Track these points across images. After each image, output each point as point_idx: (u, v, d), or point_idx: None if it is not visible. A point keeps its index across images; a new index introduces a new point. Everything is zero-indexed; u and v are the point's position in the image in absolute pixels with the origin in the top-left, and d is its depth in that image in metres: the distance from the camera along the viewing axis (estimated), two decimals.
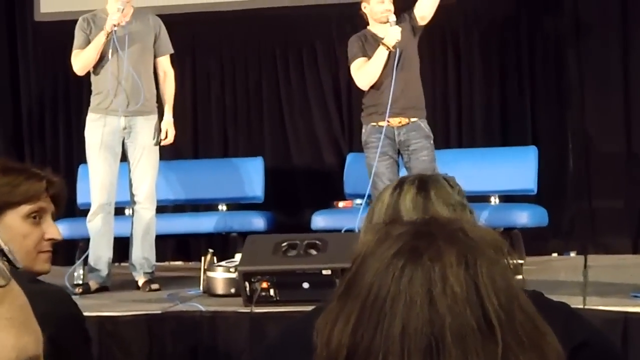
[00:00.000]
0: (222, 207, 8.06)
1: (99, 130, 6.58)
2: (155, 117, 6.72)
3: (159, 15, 6.93)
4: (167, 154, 7.62)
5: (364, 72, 6.47)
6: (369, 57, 6.43)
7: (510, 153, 7.71)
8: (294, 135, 8.48)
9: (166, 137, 6.72)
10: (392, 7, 6.44)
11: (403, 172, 6.40)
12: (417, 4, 6.48)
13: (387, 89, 6.34)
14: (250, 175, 8.03)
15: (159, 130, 6.70)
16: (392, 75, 6.35)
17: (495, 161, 7.63)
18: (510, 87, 8.14)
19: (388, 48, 6.34)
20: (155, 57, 6.77)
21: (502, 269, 1.13)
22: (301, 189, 8.35)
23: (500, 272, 1.12)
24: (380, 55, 6.38)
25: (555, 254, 7.80)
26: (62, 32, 8.11)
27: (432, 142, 6.44)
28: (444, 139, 7.93)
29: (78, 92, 8.38)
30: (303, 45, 8.45)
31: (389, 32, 6.36)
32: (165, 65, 6.80)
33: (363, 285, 1.12)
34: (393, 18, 6.38)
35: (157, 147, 6.71)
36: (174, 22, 7.04)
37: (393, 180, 6.34)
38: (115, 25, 6.47)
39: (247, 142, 8.55)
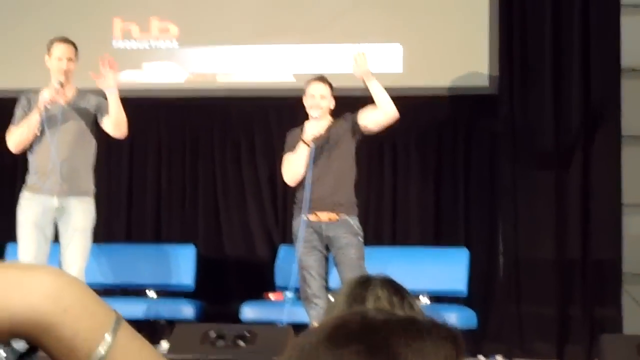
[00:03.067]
0: (152, 294, 7.98)
1: (31, 210, 6.50)
2: (89, 199, 6.65)
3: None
4: (99, 237, 7.55)
5: (286, 167, 6.55)
6: None
7: (442, 254, 7.77)
8: (228, 224, 8.46)
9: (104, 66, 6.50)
10: (322, 104, 6.51)
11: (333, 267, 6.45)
12: (362, 113, 6.56)
13: (309, 185, 6.40)
14: (181, 263, 7.99)
15: (93, 213, 6.64)
16: (315, 171, 6.41)
17: (427, 261, 7.68)
18: (445, 188, 8.23)
19: (305, 143, 6.41)
20: (101, 123, 6.67)
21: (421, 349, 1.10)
22: (232, 278, 8.31)
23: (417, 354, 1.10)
24: (299, 151, 6.45)
25: (481, 357, 7.82)
26: None
27: (360, 239, 6.46)
28: (376, 236, 7.96)
29: (12, 168, 8.30)
30: (241, 134, 8.48)
31: (307, 127, 6.46)
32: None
33: None
34: (315, 113, 6.46)
35: (90, 230, 6.62)
36: None
37: (322, 274, 6.41)
38: (47, 103, 6.43)
39: (180, 228, 8.51)
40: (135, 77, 8.58)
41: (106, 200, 8.43)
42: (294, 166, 6.49)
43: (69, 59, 6.60)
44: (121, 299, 7.99)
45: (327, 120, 6.62)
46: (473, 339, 7.69)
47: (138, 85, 8.50)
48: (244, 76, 8.44)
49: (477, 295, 7.73)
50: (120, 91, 8.20)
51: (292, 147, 6.57)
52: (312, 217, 6.42)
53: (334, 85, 6.72)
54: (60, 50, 6.59)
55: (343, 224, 6.43)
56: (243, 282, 8.15)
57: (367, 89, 7.30)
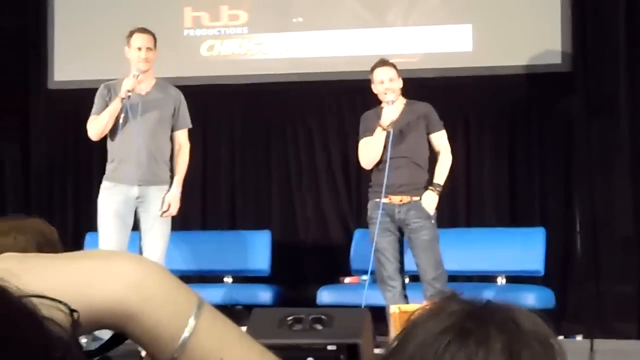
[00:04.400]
0: (228, 280, 8.03)
1: (111, 199, 6.59)
2: (168, 187, 6.74)
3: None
4: (176, 225, 7.61)
5: (363, 151, 6.57)
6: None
7: (518, 234, 7.70)
8: (302, 210, 8.48)
9: (168, 209, 6.70)
10: (393, 86, 6.49)
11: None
12: (433, 137, 6.58)
13: (385, 166, 6.41)
14: (257, 248, 8.02)
15: (163, 201, 6.71)
16: (391, 153, 6.41)
17: (503, 241, 7.62)
18: (519, 167, 8.15)
19: (383, 128, 6.40)
20: (172, 130, 6.78)
21: None
22: (308, 263, 8.33)
23: None
24: (377, 136, 6.45)
25: (561, 337, 7.74)
26: (74, 100, 8.20)
27: (433, 221, 6.44)
28: (452, 218, 7.92)
29: (88, 160, 8.42)
30: (314, 119, 8.48)
31: (384, 112, 6.44)
32: (181, 138, 6.81)
33: (406, 354, 1.11)
34: (390, 97, 6.45)
35: (169, 217, 6.70)
36: (186, 92, 7.08)
37: (396, 256, 6.41)
38: (129, 91, 6.50)
39: (255, 214, 8.55)
40: (207, 65, 8.63)
41: (182, 189, 8.50)
42: (372, 151, 6.51)
43: (148, 49, 6.69)
44: (198, 286, 8.05)
45: (401, 102, 6.60)
46: (552, 320, 7.58)
47: (210, 72, 8.55)
48: (315, 61, 8.44)
49: (554, 275, 7.65)
50: (193, 78, 8.29)
51: (367, 131, 6.58)
52: (385, 200, 6.43)
53: (405, 68, 6.70)
54: (139, 40, 6.68)
55: (415, 207, 6.43)
56: (318, 267, 8.17)
57: (438, 71, 7.28)
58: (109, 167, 6.70)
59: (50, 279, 0.84)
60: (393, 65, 6.59)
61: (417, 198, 6.46)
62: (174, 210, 6.74)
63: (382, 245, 6.43)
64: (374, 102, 6.72)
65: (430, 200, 6.43)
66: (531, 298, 7.08)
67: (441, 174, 6.53)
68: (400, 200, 6.46)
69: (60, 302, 0.77)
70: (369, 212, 6.59)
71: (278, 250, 8.10)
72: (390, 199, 6.46)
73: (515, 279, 7.57)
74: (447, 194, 7.93)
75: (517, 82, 8.13)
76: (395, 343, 1.15)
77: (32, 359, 0.62)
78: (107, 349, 0.91)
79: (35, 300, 0.68)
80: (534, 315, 1.17)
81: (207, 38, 8.66)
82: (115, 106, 6.54)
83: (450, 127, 7.88)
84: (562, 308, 7.56)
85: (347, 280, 7.79)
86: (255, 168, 8.60)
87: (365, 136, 6.62)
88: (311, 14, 8.49)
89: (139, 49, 6.66)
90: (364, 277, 7.41)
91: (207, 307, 0.90)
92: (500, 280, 7.45)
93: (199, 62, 8.63)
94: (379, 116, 6.53)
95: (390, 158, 6.43)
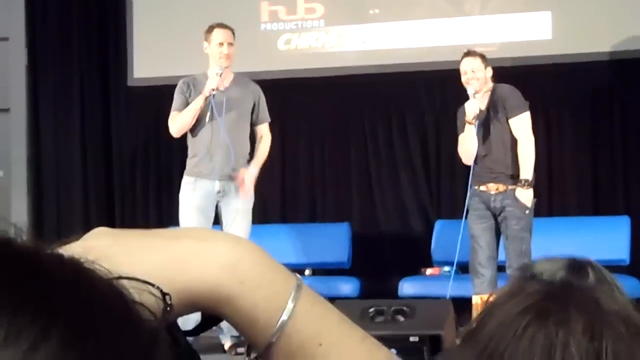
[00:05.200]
0: (309, 272, 8.05)
1: (193, 193, 6.63)
2: None
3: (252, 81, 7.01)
4: (256, 218, 7.65)
5: (459, 148, 6.62)
6: None
7: (602, 222, 7.60)
8: (382, 201, 8.46)
9: (243, 185, 6.66)
10: (476, 76, 6.45)
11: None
12: (514, 125, 6.49)
13: (479, 157, 6.40)
14: (337, 241, 8.03)
15: (253, 195, 6.73)
16: (485, 146, 6.41)
17: (587, 230, 7.52)
18: (602, 156, 8.03)
19: (468, 122, 6.40)
20: (253, 125, 6.80)
21: (630, 347, 1.08)
22: (388, 255, 8.30)
23: (627, 350, 1.07)
24: (466, 131, 6.45)
25: None
26: (154, 97, 8.29)
27: (527, 212, 6.39)
28: (534, 208, 7.83)
29: (168, 156, 8.50)
30: (392, 110, 8.45)
31: (466, 106, 6.43)
32: (263, 131, 6.83)
33: (485, 334, 1.09)
34: (470, 90, 6.43)
35: (250, 211, 6.72)
36: (264, 86, 7.10)
37: (489, 243, 6.37)
38: (213, 90, 6.51)
39: (334, 207, 8.55)
40: (284, 59, 8.65)
41: (260, 182, 8.54)
42: (465, 146, 6.54)
43: (230, 44, 6.68)
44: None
45: (488, 90, 6.55)
46: (637, 308, 7.49)
47: (287, 66, 8.56)
48: (392, 52, 8.41)
49: None
50: (271, 72, 8.32)
51: (462, 127, 6.58)
52: (482, 188, 6.44)
53: (487, 56, 6.64)
54: (220, 35, 6.68)
55: (510, 196, 6.40)
56: (399, 258, 8.14)
57: (519, 59, 7.21)
58: (190, 162, 6.73)
59: (144, 260, 0.83)
60: (480, 55, 6.55)
61: (514, 187, 6.43)
62: (249, 186, 6.67)
63: (475, 232, 6.44)
64: (454, 92, 6.68)
65: (523, 197, 6.38)
66: None
67: (525, 167, 6.45)
68: (497, 189, 6.44)
69: (152, 284, 0.76)
70: (468, 199, 6.60)
71: (358, 243, 8.10)
72: (487, 187, 6.46)
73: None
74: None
75: (598, 69, 8.00)
76: (475, 324, 1.13)
77: (118, 343, 0.61)
78: (202, 330, 0.89)
79: (126, 282, 0.67)
80: (619, 297, 1.14)
81: (284, 32, 8.68)
82: (198, 104, 6.56)
83: (531, 115, 7.83)
84: None
85: (428, 271, 7.75)
86: (334, 161, 8.60)
87: (460, 133, 6.64)
88: (388, 5, 8.46)
89: (221, 44, 6.65)
90: (446, 268, 7.38)
91: (306, 290, 0.88)
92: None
93: (276, 56, 8.65)
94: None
95: (480, 146, 6.43)
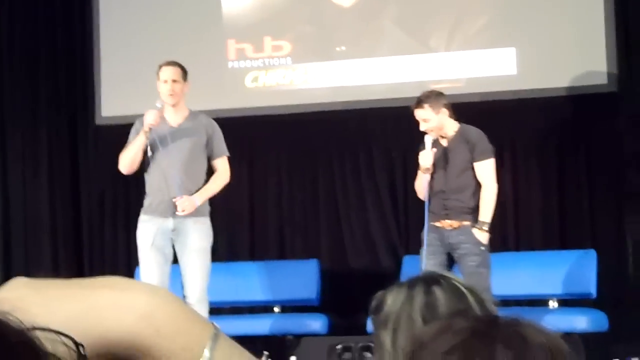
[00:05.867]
0: (278, 309, 8.03)
1: (148, 232, 6.59)
2: (205, 219, 6.65)
3: (216, 119, 6.99)
4: (224, 255, 7.65)
5: (416, 187, 6.73)
6: None
7: (569, 256, 7.63)
8: (350, 238, 8.46)
9: (181, 203, 6.53)
10: (429, 126, 6.49)
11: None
12: (478, 169, 6.52)
13: (434, 192, 6.46)
14: (305, 278, 8.01)
15: (210, 233, 6.65)
16: (437, 181, 6.44)
17: (554, 264, 7.55)
18: (568, 190, 8.09)
19: (422, 172, 6.48)
20: (209, 159, 6.76)
21: None
22: (357, 291, 8.28)
23: None
24: (420, 176, 6.60)
25: None
26: (122, 135, 8.25)
27: (483, 248, 6.41)
28: (501, 241, 7.86)
29: (138, 195, 8.44)
30: (359, 147, 8.48)
31: (420, 157, 6.50)
32: (219, 166, 6.75)
33: None
34: (428, 140, 6.49)
35: (207, 250, 6.62)
36: (230, 124, 7.10)
37: None
38: (151, 125, 6.49)
39: (303, 244, 8.54)
40: (252, 96, 8.67)
41: (228, 219, 8.53)
42: (420, 188, 6.60)
43: (174, 81, 6.65)
44: (248, 316, 8.06)
45: (453, 130, 6.58)
46: (605, 342, 7.52)
47: (255, 103, 8.58)
48: (359, 89, 8.45)
49: (607, 297, 7.55)
50: (239, 110, 8.34)
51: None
52: (437, 224, 6.45)
53: (450, 93, 6.70)
54: (165, 72, 6.67)
55: (464, 232, 6.41)
56: (368, 294, 8.10)
57: (485, 94, 7.27)
58: (145, 200, 6.71)
59: (60, 310, 0.82)
60: (425, 104, 6.51)
61: (467, 223, 6.44)
62: (184, 205, 6.51)
63: (427, 268, 6.42)
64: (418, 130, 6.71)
65: (480, 237, 6.41)
66: (584, 321, 7.00)
67: (485, 210, 6.47)
68: (450, 225, 6.46)
69: (66, 335, 0.75)
70: (421, 235, 6.61)
71: (327, 279, 8.09)
72: (441, 223, 6.47)
73: (567, 302, 7.49)
74: (495, 218, 7.89)
75: (563, 104, 8.08)
76: None
77: None
78: None
79: (39, 333, 0.67)
80: (544, 329, 1.14)
81: (251, 69, 8.70)
82: (140, 140, 6.55)
83: (496, 150, 7.87)
84: (616, 331, 7.46)
85: None
86: (302, 197, 8.60)
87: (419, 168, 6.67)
88: (354, 43, 8.52)
89: (165, 81, 6.66)
90: None
91: (223, 338, 0.88)
92: (552, 304, 7.38)
93: (243, 94, 8.67)
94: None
95: (435, 184, 6.47)
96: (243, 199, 8.58)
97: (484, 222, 6.42)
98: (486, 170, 6.54)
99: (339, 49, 8.55)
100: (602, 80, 7.97)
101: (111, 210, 8.91)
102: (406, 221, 8.22)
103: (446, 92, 6.85)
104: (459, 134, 6.61)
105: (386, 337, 2.11)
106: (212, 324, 0.88)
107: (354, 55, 8.51)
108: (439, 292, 2.13)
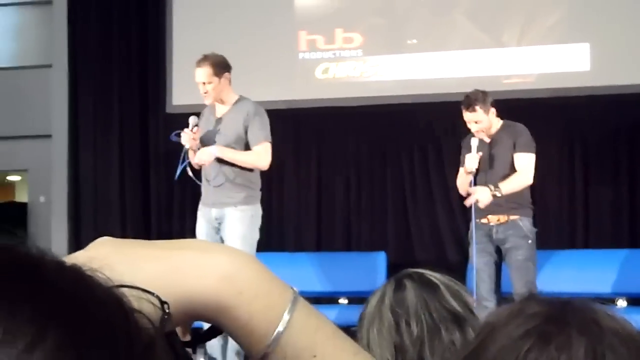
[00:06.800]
0: (344, 301, 8.05)
1: (200, 223, 6.70)
2: (247, 207, 6.63)
3: (286, 109, 6.98)
4: (291, 246, 7.69)
5: (458, 184, 6.66)
6: None
7: (638, 255, 7.54)
8: (418, 231, 8.46)
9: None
10: (480, 127, 6.44)
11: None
12: (516, 157, 6.46)
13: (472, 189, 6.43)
14: (372, 270, 8.02)
15: (253, 222, 6.67)
16: (482, 178, 6.41)
17: (623, 263, 7.47)
18: (639, 188, 8.00)
19: (467, 173, 6.43)
20: (248, 147, 6.73)
21: None
22: None
23: None
24: (464, 178, 6.49)
25: None
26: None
27: (530, 241, 6.37)
28: (570, 240, 7.81)
29: None
30: (428, 140, 8.46)
31: (466, 160, 6.44)
32: (255, 149, 6.64)
33: (486, 358, 1.09)
34: (474, 143, 6.43)
35: (248, 237, 6.57)
36: (300, 115, 7.13)
37: (491, 276, 6.37)
38: (188, 146, 6.58)
39: (370, 236, 8.56)
40: (322, 87, 8.69)
41: (296, 210, 8.57)
42: (461, 185, 6.59)
43: (203, 83, 6.58)
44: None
45: (496, 127, 6.54)
46: None
47: (325, 95, 8.61)
48: (430, 82, 8.43)
49: None
50: (309, 101, 8.36)
51: (463, 161, 6.60)
52: (483, 220, 6.42)
53: (521, 88, 6.64)
54: (197, 75, 6.62)
55: (512, 226, 6.38)
56: None
57: (556, 90, 7.21)
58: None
59: (144, 269, 0.84)
60: (476, 106, 6.47)
61: (515, 217, 6.41)
62: (199, 157, 6.58)
63: (478, 266, 6.42)
64: None
65: (480, 194, 6.33)
66: None
67: (508, 182, 6.40)
68: (498, 220, 6.43)
69: (151, 293, 0.77)
70: (469, 232, 6.59)
71: (394, 271, 8.05)
72: (488, 219, 6.44)
73: (636, 301, 7.41)
74: (566, 215, 7.83)
75: (636, 101, 7.98)
76: (474, 345, 1.12)
77: (114, 348, 0.63)
78: (203, 340, 0.91)
79: (125, 290, 0.69)
80: (618, 315, 1.13)
81: (322, 61, 8.72)
82: (189, 154, 6.66)
83: (568, 146, 7.82)
84: None
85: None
86: (370, 189, 8.61)
87: (461, 166, 6.64)
88: (425, 36, 8.50)
89: (198, 84, 6.68)
90: None
91: (302, 302, 0.89)
92: (620, 303, 7.30)
93: (314, 85, 8.70)
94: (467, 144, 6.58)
95: (480, 180, 6.43)
96: (311, 190, 8.61)
97: (497, 187, 6.35)
98: (525, 162, 6.48)
99: (410, 42, 8.54)
100: None
101: (180, 197, 8.99)
102: None
103: (517, 88, 6.81)
104: (503, 129, 6.57)
105: (362, 338, 2.13)
106: (292, 288, 0.90)
107: (424, 49, 8.49)
108: (409, 286, 2.13)
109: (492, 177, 6.45)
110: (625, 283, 7.34)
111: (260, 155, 6.61)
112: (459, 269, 7.98)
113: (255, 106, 6.67)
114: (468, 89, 7.95)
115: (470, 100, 6.45)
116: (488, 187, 6.31)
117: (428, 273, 2.19)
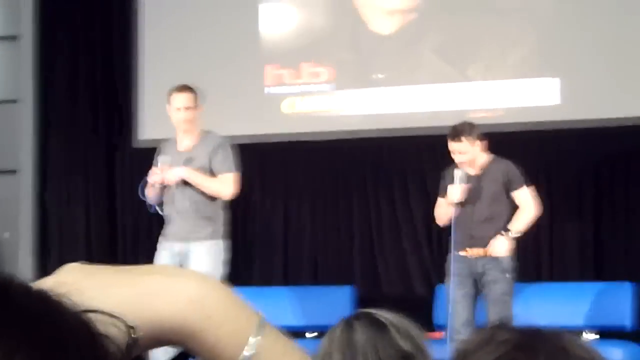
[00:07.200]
0: (311, 335, 8.02)
1: (161, 255, 6.65)
2: (213, 242, 6.61)
3: (254, 144, 6.98)
4: (257, 280, 7.66)
5: (436, 211, 6.68)
6: None
7: (606, 288, 7.58)
8: (384, 265, 8.46)
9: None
10: (462, 159, 6.47)
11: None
12: (516, 196, 6.50)
13: (461, 222, 6.43)
14: (339, 303, 7.99)
15: (217, 256, 6.64)
16: (465, 211, 6.43)
17: (590, 296, 7.50)
18: (605, 222, 8.04)
19: (450, 204, 6.45)
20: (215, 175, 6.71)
21: None
22: None
23: None
24: (445, 208, 6.55)
25: None
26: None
27: (508, 275, 6.41)
28: (535, 272, 7.83)
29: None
30: (395, 174, 8.48)
31: (449, 191, 6.47)
32: (222, 179, 6.68)
33: None
34: (458, 174, 6.45)
35: (218, 272, 6.55)
36: (267, 150, 7.11)
37: (467, 308, 6.39)
38: (157, 182, 6.58)
39: (337, 270, 8.55)
40: (288, 122, 8.70)
41: (263, 244, 8.56)
42: (441, 215, 6.59)
43: (187, 108, 6.62)
44: (281, 333, 8.03)
45: (480, 163, 6.58)
46: None
47: (291, 129, 8.61)
48: (396, 116, 8.45)
49: None
50: (274, 135, 8.36)
51: (444, 190, 6.62)
52: (462, 253, 6.45)
53: (490, 122, 6.69)
54: (178, 100, 6.62)
55: (492, 260, 6.41)
56: None
57: (525, 124, 7.27)
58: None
59: (113, 294, 0.85)
60: (462, 138, 6.51)
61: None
62: (165, 175, 6.58)
63: (456, 298, 6.43)
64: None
65: (499, 245, 6.37)
66: (618, 353, 6.94)
67: (516, 221, 6.46)
68: (478, 253, 6.45)
69: (118, 318, 0.77)
70: (446, 264, 6.60)
71: (360, 305, 8.06)
72: (467, 252, 6.46)
73: (603, 334, 7.43)
74: (531, 248, 7.86)
75: (604, 136, 8.02)
76: None
77: None
78: None
79: (92, 315, 0.69)
80: (586, 344, 1.13)
81: (288, 95, 8.73)
82: (155, 188, 6.66)
83: (534, 180, 7.83)
84: None
85: (430, 335, 7.72)
86: (337, 223, 8.61)
87: (441, 196, 6.66)
88: (392, 70, 8.53)
89: (178, 109, 6.64)
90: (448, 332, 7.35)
91: (269, 327, 0.90)
92: (587, 336, 7.32)
93: (279, 120, 8.70)
94: (446, 176, 6.61)
95: (465, 213, 6.45)
96: (277, 224, 8.61)
97: (510, 230, 6.39)
98: (525, 196, 6.54)
99: (376, 76, 8.57)
100: None
101: (146, 230, 8.94)
102: (440, 249, 8.19)
103: (486, 122, 6.85)
104: (490, 164, 6.60)
105: None
106: (260, 313, 0.90)
107: (391, 83, 8.52)
108: (358, 328, 2.14)
109: (479, 210, 6.47)
110: (591, 316, 7.36)
111: (224, 184, 6.60)
112: (425, 302, 7.99)
113: (222, 138, 6.69)
114: (435, 123, 8.02)
115: (457, 130, 6.50)
116: (501, 234, 6.35)
117: (378, 313, 2.20)
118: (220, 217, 6.70)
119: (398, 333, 2.11)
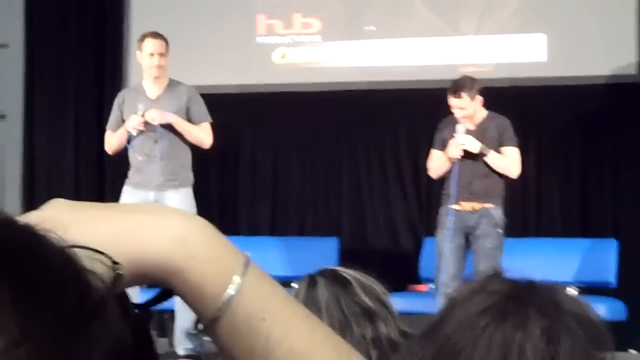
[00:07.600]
0: (295, 285, 8.05)
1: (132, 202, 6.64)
2: (187, 190, 6.64)
3: (245, 94, 6.97)
4: (244, 230, 7.66)
5: (431, 164, 6.66)
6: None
7: (590, 244, 7.62)
8: (371, 217, 8.48)
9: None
10: (465, 114, 6.46)
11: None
12: (504, 151, 6.56)
13: (456, 175, 6.42)
14: (325, 255, 8.02)
15: (192, 204, 6.63)
16: (462, 165, 6.43)
17: (575, 252, 7.54)
18: (591, 179, 8.06)
19: (449, 160, 6.44)
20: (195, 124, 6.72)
21: (586, 352, 1.08)
22: (376, 270, 8.28)
23: (583, 355, 1.08)
24: (443, 161, 6.55)
25: (633, 351, 7.62)
26: None
27: (499, 230, 6.43)
28: (522, 227, 7.86)
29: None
30: (384, 127, 8.48)
31: (450, 146, 6.44)
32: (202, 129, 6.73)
33: (444, 333, 1.10)
34: (460, 129, 6.44)
35: None
36: (257, 100, 7.09)
37: (456, 262, 6.41)
38: (133, 127, 6.54)
39: (323, 221, 8.56)
40: (279, 72, 8.67)
41: (251, 194, 8.57)
42: (437, 168, 6.57)
43: (161, 54, 6.62)
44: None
45: (479, 119, 6.58)
46: (623, 332, 7.50)
47: (282, 80, 8.59)
48: (387, 69, 8.43)
49: (629, 287, 7.52)
50: (265, 85, 8.34)
51: (439, 144, 6.60)
52: (455, 207, 6.45)
53: (478, 77, 6.69)
54: (151, 45, 6.63)
55: (484, 214, 6.42)
56: (387, 274, 8.09)
57: (513, 80, 7.25)
58: (129, 172, 6.74)
59: (97, 231, 0.84)
60: (464, 93, 6.50)
61: (489, 205, 6.45)
62: (153, 115, 6.56)
63: (445, 252, 6.45)
64: (447, 111, 6.70)
65: (471, 140, 6.38)
66: (602, 309, 6.96)
67: (498, 156, 6.48)
68: (472, 207, 6.46)
69: (103, 253, 0.77)
70: (439, 217, 6.60)
71: (346, 257, 8.10)
72: (461, 206, 6.47)
73: (586, 290, 7.48)
74: (518, 204, 7.88)
75: (591, 93, 8.04)
76: (435, 320, 1.13)
77: (62, 305, 0.63)
78: (155, 303, 0.91)
79: (77, 251, 0.69)
80: (580, 299, 1.13)
81: (279, 46, 8.70)
82: (121, 133, 6.64)
83: (522, 136, 7.86)
84: (635, 321, 7.43)
85: (415, 288, 7.76)
86: (325, 175, 8.62)
87: (437, 148, 6.63)
88: (383, 23, 8.50)
89: (151, 54, 6.62)
90: (432, 285, 7.39)
91: (254, 267, 0.89)
92: (572, 290, 7.37)
93: (270, 70, 8.67)
94: (446, 127, 6.58)
95: (460, 167, 6.45)
96: (266, 175, 8.61)
97: (488, 150, 6.40)
98: (513, 154, 6.56)
99: (367, 28, 8.54)
100: (632, 70, 7.93)
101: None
102: (428, 203, 8.22)
103: (474, 77, 6.84)
104: (488, 120, 6.61)
105: None
106: (245, 253, 0.90)
107: (382, 36, 8.49)
108: (321, 283, 2.16)
109: (479, 165, 6.48)
110: (575, 271, 7.41)
111: (208, 133, 6.64)
112: (411, 256, 8.03)
113: (194, 88, 6.71)
114: (425, 76, 8.01)
115: (457, 86, 6.49)
116: (477, 140, 6.36)
117: (341, 270, 2.21)
118: (189, 164, 6.73)
119: (361, 288, 2.13)
